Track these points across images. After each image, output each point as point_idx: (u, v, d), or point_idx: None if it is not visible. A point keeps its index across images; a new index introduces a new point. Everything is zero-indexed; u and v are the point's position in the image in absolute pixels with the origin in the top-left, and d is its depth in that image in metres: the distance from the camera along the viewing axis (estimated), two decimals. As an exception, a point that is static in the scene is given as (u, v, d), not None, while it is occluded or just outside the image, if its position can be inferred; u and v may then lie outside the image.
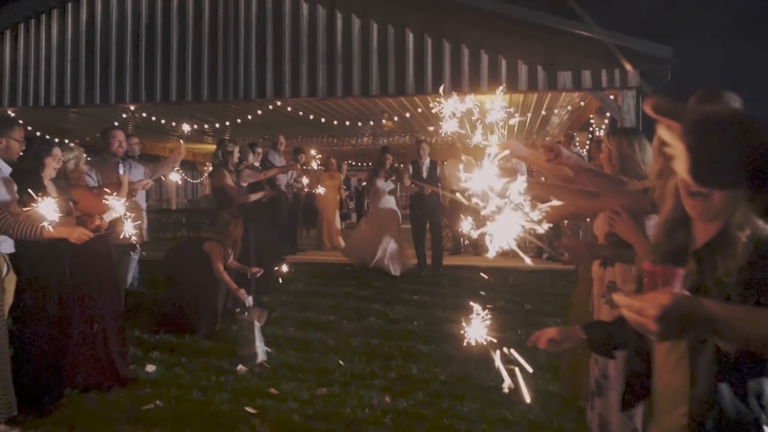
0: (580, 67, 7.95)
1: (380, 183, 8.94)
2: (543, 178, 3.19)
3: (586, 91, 8.32)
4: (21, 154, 4.00)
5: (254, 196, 6.61)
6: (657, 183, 1.80)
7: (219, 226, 5.73)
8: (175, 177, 5.52)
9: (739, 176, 0.88)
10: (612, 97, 8.20)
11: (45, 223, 3.29)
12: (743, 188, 0.90)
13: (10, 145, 3.78)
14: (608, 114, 9.20)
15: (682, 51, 7.60)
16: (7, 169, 3.83)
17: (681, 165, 0.93)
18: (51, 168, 4.08)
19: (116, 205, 3.82)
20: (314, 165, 7.19)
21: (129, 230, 3.44)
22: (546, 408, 3.93)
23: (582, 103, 10.30)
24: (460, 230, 9.60)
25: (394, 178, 8.99)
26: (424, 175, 8.69)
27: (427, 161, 8.80)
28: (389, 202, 8.96)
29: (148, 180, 5.05)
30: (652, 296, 1.20)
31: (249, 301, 5.15)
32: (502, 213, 1.72)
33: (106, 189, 4.25)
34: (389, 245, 8.67)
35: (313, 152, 6.80)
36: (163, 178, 5.39)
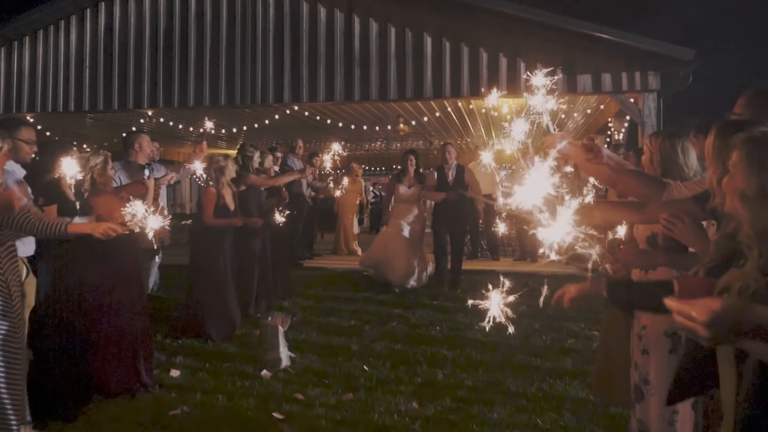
0: (600, 70, 7.89)
1: (403, 189, 8.01)
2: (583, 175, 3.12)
3: (606, 95, 8.26)
4: (35, 156, 4.00)
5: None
6: (717, 190, 1.76)
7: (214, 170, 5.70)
8: (199, 169, 5.46)
9: None
10: (632, 100, 8.13)
11: (68, 220, 3.26)
12: None
13: (18, 146, 3.70)
14: (628, 117, 9.13)
15: (704, 54, 7.52)
16: (21, 172, 3.82)
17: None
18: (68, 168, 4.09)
19: (139, 211, 3.78)
20: (328, 162, 6.84)
21: (153, 226, 3.36)
22: (576, 414, 3.87)
23: (601, 106, 10.22)
24: (497, 233, 9.50)
25: (418, 185, 8.01)
26: (450, 181, 7.89)
27: (453, 165, 8.00)
28: (412, 211, 8.00)
29: (173, 174, 5.03)
30: (704, 302, 1.18)
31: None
32: (557, 220, 1.70)
33: (130, 195, 4.21)
34: (410, 261, 7.81)
35: (337, 148, 6.44)
36: (186, 178, 5.39)
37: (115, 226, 3.33)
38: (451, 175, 7.98)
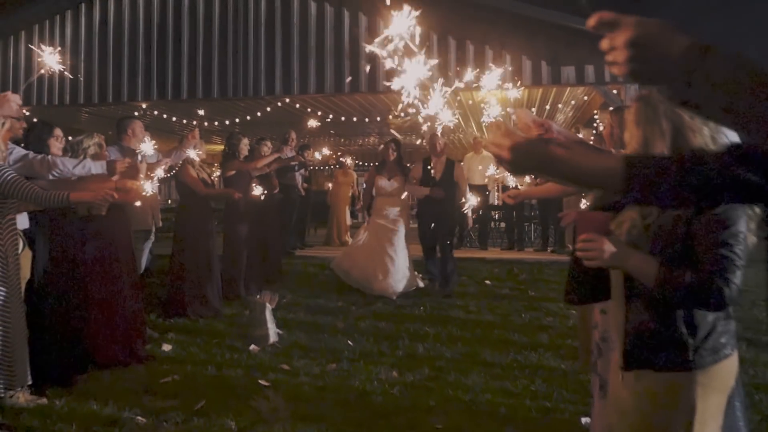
0: (583, 62, 8.09)
1: (384, 182, 7.12)
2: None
3: (589, 86, 8.46)
4: (23, 139, 4.22)
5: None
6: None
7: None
8: (192, 154, 5.63)
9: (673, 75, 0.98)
10: (615, 91, 8.35)
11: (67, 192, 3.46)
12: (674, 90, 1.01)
13: (10, 124, 3.92)
14: (611, 108, 9.34)
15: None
16: (21, 151, 4.02)
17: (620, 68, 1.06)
18: (56, 149, 4.31)
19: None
20: (317, 157, 7.11)
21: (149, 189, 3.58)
22: (547, 381, 4.08)
23: (586, 98, 10.44)
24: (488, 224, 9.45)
25: (400, 177, 7.15)
26: (437, 175, 6.95)
27: (444, 159, 7.05)
28: (395, 206, 7.08)
29: (166, 159, 5.23)
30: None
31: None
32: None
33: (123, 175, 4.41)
34: (391, 264, 6.84)
35: (326, 152, 6.69)
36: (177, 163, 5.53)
37: (113, 191, 3.51)
38: (439, 168, 7.01)
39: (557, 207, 9.52)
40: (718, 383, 1.77)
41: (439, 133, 7.48)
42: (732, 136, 1.61)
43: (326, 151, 6.76)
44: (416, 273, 7.18)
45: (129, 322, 4.51)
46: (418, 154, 14.72)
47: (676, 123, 1.70)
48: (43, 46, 3.52)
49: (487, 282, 7.46)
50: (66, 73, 3.53)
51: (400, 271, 6.85)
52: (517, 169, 1.25)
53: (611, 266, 1.73)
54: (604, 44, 1.06)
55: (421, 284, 7.11)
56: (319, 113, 11.42)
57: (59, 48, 3.82)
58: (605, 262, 1.69)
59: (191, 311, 5.66)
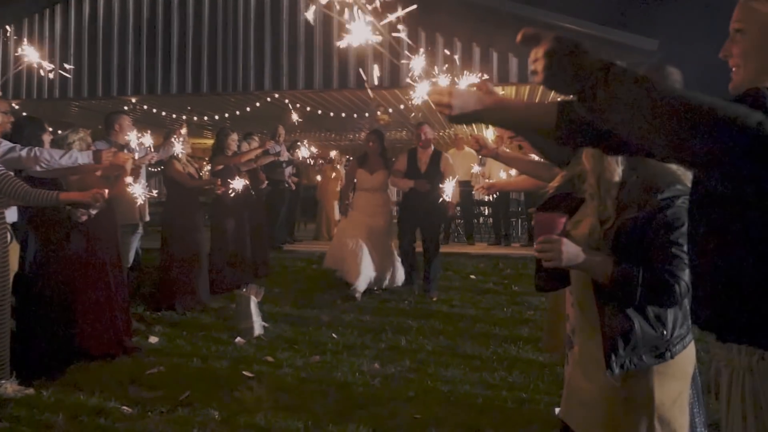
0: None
1: (365, 175, 6.74)
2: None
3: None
4: (12, 134, 4.25)
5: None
6: None
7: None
8: (178, 149, 5.71)
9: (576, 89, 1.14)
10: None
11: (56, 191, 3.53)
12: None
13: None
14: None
15: (668, 44, 7.84)
16: (7, 144, 4.06)
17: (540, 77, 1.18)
18: (48, 144, 4.37)
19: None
20: (303, 154, 7.31)
21: (138, 192, 3.65)
22: (525, 373, 4.19)
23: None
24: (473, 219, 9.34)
25: (383, 170, 6.73)
26: (423, 168, 6.52)
27: (430, 151, 6.60)
28: (377, 200, 6.74)
29: (153, 153, 5.29)
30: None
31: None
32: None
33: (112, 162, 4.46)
34: (375, 258, 6.51)
35: (313, 149, 6.85)
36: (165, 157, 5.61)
37: (102, 191, 3.57)
38: (425, 160, 6.56)
39: (543, 203, 9.64)
40: (675, 370, 1.87)
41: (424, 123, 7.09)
42: None
43: (314, 149, 6.81)
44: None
45: (115, 314, 4.58)
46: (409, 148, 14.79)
47: None
48: (25, 43, 3.56)
49: (472, 277, 7.56)
50: (50, 69, 3.58)
51: (382, 266, 6.56)
52: (460, 117, 1.35)
53: (568, 266, 1.81)
54: (531, 56, 1.17)
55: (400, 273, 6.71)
56: (308, 108, 11.49)
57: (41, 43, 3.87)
58: (563, 262, 1.77)
59: (179, 305, 5.74)
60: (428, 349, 4.73)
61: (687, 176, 1.73)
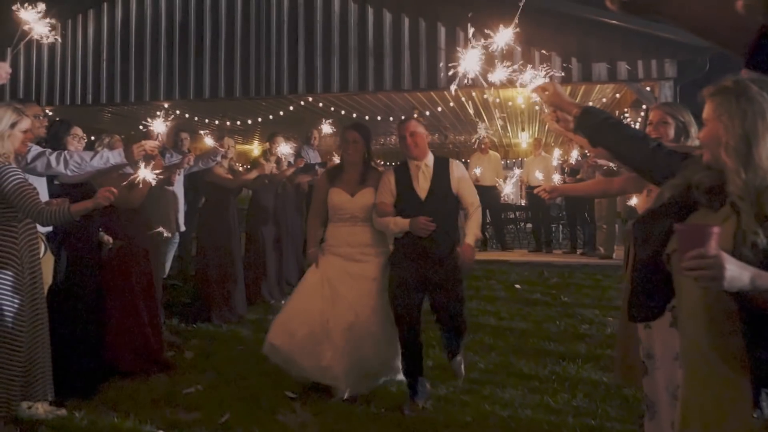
0: (615, 58, 7.82)
1: (340, 197, 3.97)
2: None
3: (621, 83, 8.19)
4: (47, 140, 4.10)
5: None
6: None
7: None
8: (218, 158, 5.54)
9: None
10: (648, 88, 8.06)
11: (68, 202, 3.29)
12: None
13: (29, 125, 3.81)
14: (644, 106, 9.05)
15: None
16: (37, 149, 3.88)
17: None
18: (73, 148, 4.17)
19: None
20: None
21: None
22: (590, 396, 3.86)
23: (617, 95, 10.14)
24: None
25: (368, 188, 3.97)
26: (422, 192, 3.78)
27: (430, 159, 3.86)
28: (361, 238, 3.97)
29: (189, 156, 5.08)
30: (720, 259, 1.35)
31: None
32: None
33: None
34: (362, 342, 3.84)
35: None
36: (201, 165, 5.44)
37: (111, 189, 3.31)
38: (423, 177, 3.81)
39: (586, 207, 9.26)
40: None
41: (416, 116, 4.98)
42: None
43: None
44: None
45: (149, 328, 4.37)
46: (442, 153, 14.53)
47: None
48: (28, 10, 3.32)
49: (517, 286, 7.22)
50: (56, 37, 3.35)
51: (377, 353, 3.90)
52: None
53: (731, 288, 1.40)
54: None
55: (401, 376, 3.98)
56: (343, 112, 11.26)
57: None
58: (725, 282, 1.37)
59: (216, 316, 5.51)
60: (480, 368, 4.42)
61: None
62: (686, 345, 1.68)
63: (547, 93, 2.25)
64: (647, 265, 1.61)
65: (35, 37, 3.33)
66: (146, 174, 3.53)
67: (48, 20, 3.35)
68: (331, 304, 3.88)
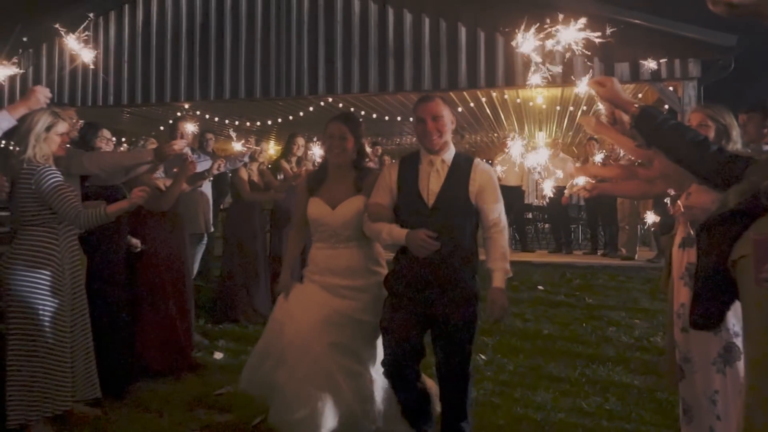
0: (638, 58, 7.76)
1: (320, 211, 3.09)
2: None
3: (644, 83, 8.13)
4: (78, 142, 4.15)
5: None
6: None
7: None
8: (246, 160, 5.57)
9: None
10: (672, 88, 8.00)
11: (104, 204, 3.32)
12: None
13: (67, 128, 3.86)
14: (667, 106, 8.98)
15: (746, 39, 7.36)
16: (70, 150, 3.93)
17: None
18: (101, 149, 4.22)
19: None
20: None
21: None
22: (622, 399, 3.83)
23: (639, 95, 10.07)
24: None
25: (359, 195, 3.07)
26: (430, 197, 2.86)
27: (449, 155, 2.91)
28: (351, 263, 3.06)
29: (221, 161, 5.12)
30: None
31: None
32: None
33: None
34: (343, 379, 2.96)
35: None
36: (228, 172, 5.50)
37: (145, 188, 3.34)
38: (434, 177, 2.89)
39: (607, 208, 9.20)
40: None
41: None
42: None
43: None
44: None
45: (180, 329, 4.40)
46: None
47: None
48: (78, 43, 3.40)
49: (540, 287, 7.19)
50: (98, 72, 3.48)
51: (362, 400, 3.03)
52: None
53: None
54: None
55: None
56: (363, 113, 11.27)
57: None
58: None
59: (243, 316, 5.53)
60: (509, 370, 4.40)
61: None
62: (758, 356, 1.64)
63: (604, 88, 2.21)
64: (712, 271, 1.60)
65: (81, 63, 3.40)
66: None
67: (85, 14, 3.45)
68: (312, 332, 2.95)
